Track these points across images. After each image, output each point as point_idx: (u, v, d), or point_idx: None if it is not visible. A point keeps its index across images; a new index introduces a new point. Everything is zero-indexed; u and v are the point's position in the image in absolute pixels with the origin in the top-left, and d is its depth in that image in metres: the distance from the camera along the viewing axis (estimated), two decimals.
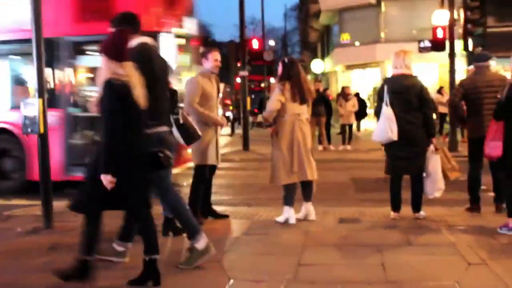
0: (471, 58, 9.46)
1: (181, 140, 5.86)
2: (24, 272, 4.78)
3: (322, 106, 16.58)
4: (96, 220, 4.28)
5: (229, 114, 32.38)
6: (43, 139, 6.41)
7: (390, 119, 6.26)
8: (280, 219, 6.48)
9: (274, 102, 6.38)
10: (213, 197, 8.95)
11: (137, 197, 4.14)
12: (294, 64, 6.57)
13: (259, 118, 17.68)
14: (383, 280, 4.28)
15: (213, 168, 6.73)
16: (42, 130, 6.35)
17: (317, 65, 33.72)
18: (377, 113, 6.49)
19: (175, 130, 5.78)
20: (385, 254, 4.99)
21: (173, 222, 5.88)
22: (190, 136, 5.86)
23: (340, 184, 10.26)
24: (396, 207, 6.52)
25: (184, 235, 5.42)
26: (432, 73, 27.34)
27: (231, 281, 4.38)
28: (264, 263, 4.89)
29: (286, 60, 6.68)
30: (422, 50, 18.28)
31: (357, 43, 29.48)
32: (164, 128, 4.96)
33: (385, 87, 6.41)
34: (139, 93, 4.07)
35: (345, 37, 30.92)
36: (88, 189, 4.20)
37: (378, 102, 6.55)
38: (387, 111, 6.31)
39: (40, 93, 6.34)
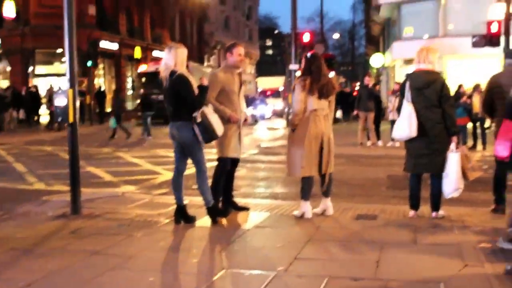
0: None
1: (200, 137, 6.02)
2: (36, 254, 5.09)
3: (372, 101, 16.42)
4: None
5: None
6: (73, 127, 6.74)
7: (410, 115, 6.19)
8: (297, 213, 6.56)
9: (298, 104, 6.36)
10: (244, 189, 9.14)
11: None
12: (317, 58, 6.59)
13: None
14: (371, 277, 4.27)
15: (235, 161, 6.87)
16: (71, 119, 6.69)
17: (377, 59, 33.30)
18: (399, 109, 6.44)
19: (195, 127, 5.95)
20: (385, 251, 4.97)
21: (185, 211, 6.17)
22: (207, 134, 5.99)
23: (375, 180, 10.18)
24: (414, 205, 6.44)
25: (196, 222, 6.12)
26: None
27: (223, 271, 4.49)
28: (264, 255, 4.98)
29: (308, 55, 6.72)
30: (475, 45, 17.67)
31: (425, 36, 28.64)
32: None
33: (407, 83, 6.34)
34: None
35: (408, 31, 30.33)
36: None
37: (400, 98, 6.47)
38: (407, 107, 6.25)
39: (71, 83, 6.68)
